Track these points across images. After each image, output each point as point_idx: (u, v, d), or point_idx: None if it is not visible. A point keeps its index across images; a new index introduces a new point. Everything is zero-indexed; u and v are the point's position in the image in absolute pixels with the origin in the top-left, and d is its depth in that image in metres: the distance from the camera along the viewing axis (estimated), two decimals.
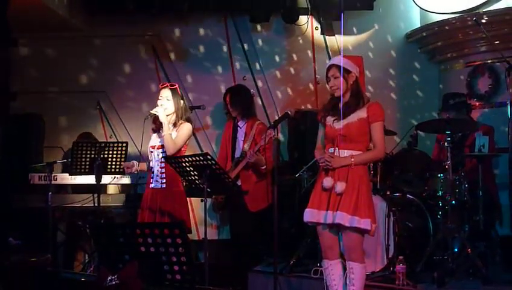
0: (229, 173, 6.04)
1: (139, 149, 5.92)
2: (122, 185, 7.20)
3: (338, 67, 4.69)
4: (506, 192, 6.40)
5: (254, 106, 6.78)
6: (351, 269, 4.60)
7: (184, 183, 5.62)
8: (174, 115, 5.72)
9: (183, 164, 5.15)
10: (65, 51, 8.00)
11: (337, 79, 4.68)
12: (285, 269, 5.94)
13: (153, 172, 5.73)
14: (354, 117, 4.63)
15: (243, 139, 6.47)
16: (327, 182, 4.60)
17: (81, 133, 7.47)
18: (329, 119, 4.73)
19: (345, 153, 4.62)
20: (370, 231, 4.56)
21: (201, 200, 5.20)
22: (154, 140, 5.79)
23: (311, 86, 8.09)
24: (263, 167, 6.22)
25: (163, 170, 5.66)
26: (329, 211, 4.57)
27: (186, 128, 5.68)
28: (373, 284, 5.47)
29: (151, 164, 5.78)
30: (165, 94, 5.73)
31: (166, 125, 5.60)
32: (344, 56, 4.89)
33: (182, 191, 5.73)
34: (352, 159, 4.58)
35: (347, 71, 4.68)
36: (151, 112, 5.69)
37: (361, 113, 4.63)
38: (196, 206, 7.40)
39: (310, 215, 4.67)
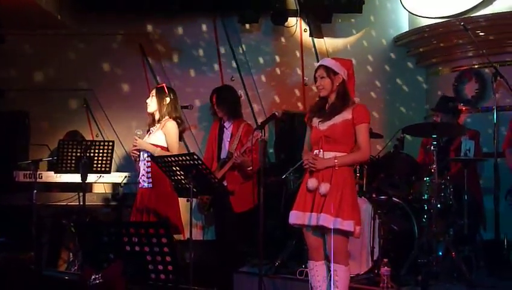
0: (215, 173, 6.03)
1: (126, 149, 5.93)
2: (108, 184, 7.18)
3: (326, 68, 4.70)
4: (491, 196, 6.44)
5: (240, 106, 6.77)
6: (335, 271, 4.58)
7: (172, 183, 5.62)
8: (157, 112, 5.82)
9: (169, 163, 5.14)
10: (53, 48, 7.97)
11: (323, 79, 4.69)
12: (270, 271, 5.93)
13: (139, 172, 5.74)
14: (338, 119, 4.62)
15: (229, 140, 6.46)
16: (311, 183, 4.59)
17: (68, 131, 7.43)
18: (315, 121, 4.73)
19: (330, 154, 4.61)
20: (353, 232, 4.54)
21: (187, 200, 5.18)
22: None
23: (299, 88, 8.10)
24: (249, 168, 6.21)
25: (149, 170, 5.68)
26: (313, 213, 4.56)
27: (172, 130, 5.73)
28: (357, 287, 5.47)
29: (139, 164, 5.79)
30: (152, 92, 5.90)
31: (150, 148, 5.66)
32: (334, 58, 4.90)
33: (169, 191, 5.74)
34: (336, 161, 4.57)
35: (334, 72, 4.68)
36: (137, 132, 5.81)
37: (347, 115, 4.62)
38: (182, 207, 7.37)
39: (295, 217, 4.66)
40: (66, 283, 5.02)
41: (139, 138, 5.74)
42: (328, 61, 4.77)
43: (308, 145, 4.84)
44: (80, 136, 7.36)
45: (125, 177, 6.78)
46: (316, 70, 4.77)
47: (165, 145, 5.75)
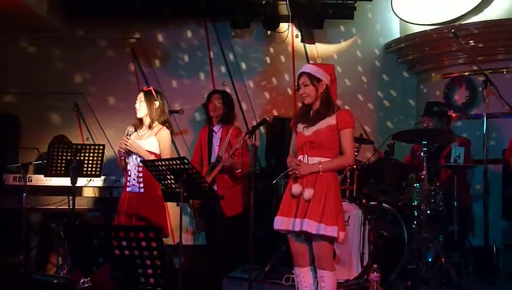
0: (206, 177, 6.02)
1: (116, 153, 5.89)
2: (98, 188, 7.15)
3: (308, 75, 4.68)
4: (480, 203, 6.47)
5: (234, 113, 6.78)
6: (322, 277, 4.55)
7: (162, 187, 5.59)
8: (148, 117, 5.75)
9: (160, 168, 5.12)
10: (44, 52, 7.96)
11: (307, 87, 4.67)
12: (260, 276, 5.94)
13: (129, 175, 5.70)
14: (323, 124, 4.61)
15: (218, 144, 6.46)
16: (295, 188, 4.57)
17: (56, 135, 7.40)
18: (300, 127, 4.71)
19: (314, 160, 4.59)
20: (337, 238, 4.52)
21: (177, 205, 5.16)
22: None
23: (290, 93, 8.11)
24: (238, 171, 6.21)
25: (141, 174, 5.63)
26: (297, 219, 4.53)
27: (166, 139, 5.70)
28: None
29: (128, 167, 5.75)
30: (139, 96, 5.80)
31: (145, 154, 5.61)
32: (315, 64, 4.89)
33: (159, 196, 5.71)
34: (320, 166, 4.55)
35: (317, 79, 4.66)
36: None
37: (331, 120, 4.60)
38: (172, 211, 7.36)
39: (279, 223, 4.63)
40: (55, 286, 4.98)
41: (130, 135, 5.66)
42: (310, 68, 4.74)
43: (293, 151, 4.82)
44: (67, 141, 7.32)
45: (116, 181, 6.76)
46: (298, 78, 4.74)
47: (158, 152, 5.72)
